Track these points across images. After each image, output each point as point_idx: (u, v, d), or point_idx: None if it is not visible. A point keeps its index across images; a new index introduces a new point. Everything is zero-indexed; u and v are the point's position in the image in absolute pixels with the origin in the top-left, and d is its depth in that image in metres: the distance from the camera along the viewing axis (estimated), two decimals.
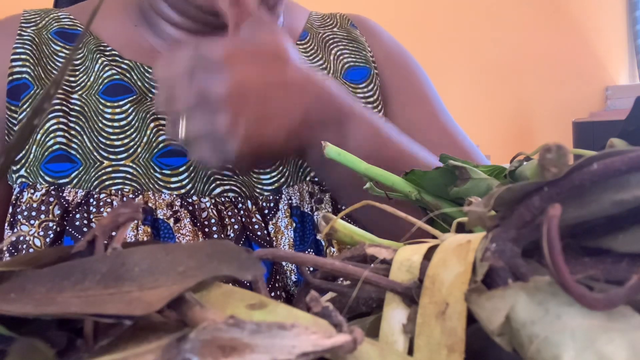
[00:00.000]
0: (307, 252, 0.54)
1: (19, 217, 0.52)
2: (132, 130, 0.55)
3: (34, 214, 0.51)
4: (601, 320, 0.17)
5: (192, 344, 0.15)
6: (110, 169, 0.53)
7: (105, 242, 0.22)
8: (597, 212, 0.20)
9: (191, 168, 0.54)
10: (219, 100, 0.40)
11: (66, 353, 0.18)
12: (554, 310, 0.18)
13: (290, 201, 0.55)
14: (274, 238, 0.53)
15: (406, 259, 0.24)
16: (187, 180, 0.53)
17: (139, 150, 0.54)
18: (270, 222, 0.54)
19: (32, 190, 0.52)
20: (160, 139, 0.54)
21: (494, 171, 0.39)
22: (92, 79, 0.57)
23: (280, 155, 0.49)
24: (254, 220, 0.54)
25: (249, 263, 0.20)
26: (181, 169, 0.54)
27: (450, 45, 2.34)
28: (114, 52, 0.58)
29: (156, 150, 0.54)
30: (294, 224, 0.54)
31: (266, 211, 0.54)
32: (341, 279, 0.26)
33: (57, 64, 0.58)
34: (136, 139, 0.54)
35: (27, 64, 0.57)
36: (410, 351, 0.21)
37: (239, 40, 0.44)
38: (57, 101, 0.55)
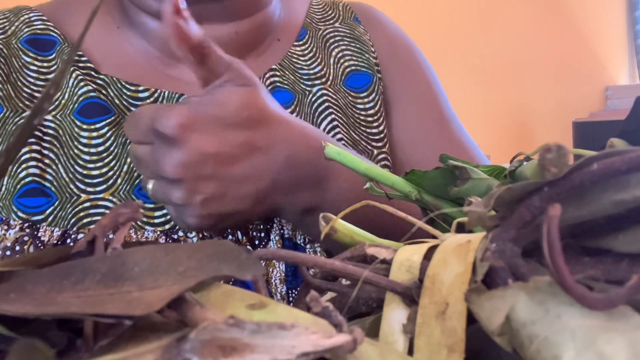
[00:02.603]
0: (299, 286, 0.51)
1: None
2: (110, 157, 0.49)
3: (8, 253, 0.47)
4: (601, 320, 0.17)
5: (192, 344, 0.15)
6: (88, 204, 0.48)
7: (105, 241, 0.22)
8: (597, 212, 0.20)
9: None
10: (172, 177, 0.38)
11: (66, 353, 0.18)
12: (554, 310, 0.18)
13: (281, 232, 0.51)
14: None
15: (406, 259, 0.24)
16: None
17: (119, 181, 0.49)
18: None
19: (5, 227, 0.48)
20: None
21: (494, 171, 0.39)
22: (66, 96, 0.51)
23: (248, 220, 0.47)
24: None
25: (249, 263, 0.20)
26: None
27: (449, 45, 2.34)
28: (88, 65, 0.52)
29: (137, 181, 0.49)
30: None
31: (257, 242, 0.51)
32: (341, 278, 0.26)
33: (29, 78, 0.51)
34: (115, 168, 0.49)
35: None
36: (410, 351, 0.21)
37: (199, 103, 0.40)
38: None
